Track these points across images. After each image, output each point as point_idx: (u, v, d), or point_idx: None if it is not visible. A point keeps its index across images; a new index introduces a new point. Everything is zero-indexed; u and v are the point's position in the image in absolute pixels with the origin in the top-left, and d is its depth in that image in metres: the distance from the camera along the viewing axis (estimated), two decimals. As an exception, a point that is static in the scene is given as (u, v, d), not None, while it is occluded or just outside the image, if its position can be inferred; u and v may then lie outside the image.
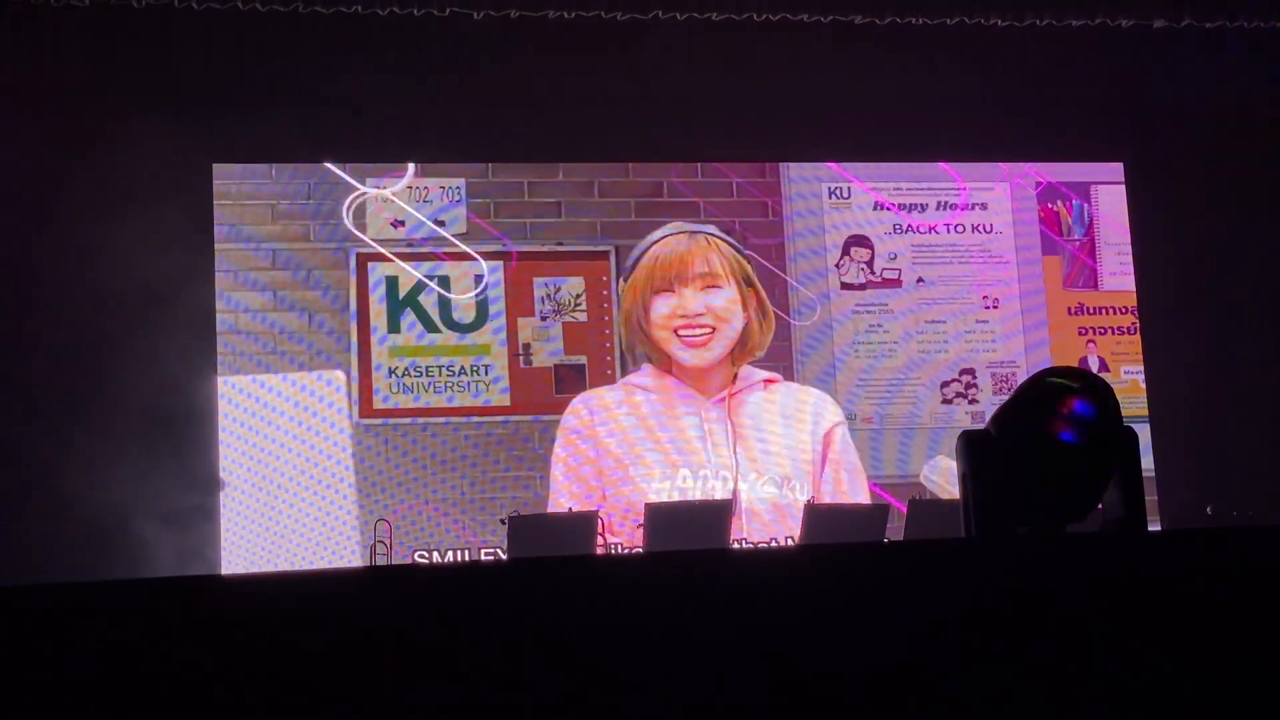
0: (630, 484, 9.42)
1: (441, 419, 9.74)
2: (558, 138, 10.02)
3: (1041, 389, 3.74)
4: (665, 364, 9.72)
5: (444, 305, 9.90)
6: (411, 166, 9.98)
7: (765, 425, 9.65)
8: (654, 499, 9.12)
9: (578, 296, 10.01)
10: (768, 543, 9.36)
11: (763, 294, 9.90)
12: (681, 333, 9.65)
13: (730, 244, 9.87)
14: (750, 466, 9.53)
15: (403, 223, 9.93)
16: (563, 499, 9.38)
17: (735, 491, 9.40)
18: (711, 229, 9.93)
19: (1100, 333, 10.47)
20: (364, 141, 9.85)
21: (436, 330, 9.87)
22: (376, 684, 2.81)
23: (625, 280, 9.81)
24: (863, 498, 9.61)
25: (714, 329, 9.65)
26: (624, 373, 9.88)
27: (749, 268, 9.88)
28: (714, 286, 9.71)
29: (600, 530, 8.44)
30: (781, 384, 9.86)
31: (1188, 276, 10.40)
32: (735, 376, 9.72)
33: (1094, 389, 3.72)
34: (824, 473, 9.61)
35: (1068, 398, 3.67)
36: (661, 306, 9.68)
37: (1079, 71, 10.18)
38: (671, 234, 9.84)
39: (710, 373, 9.71)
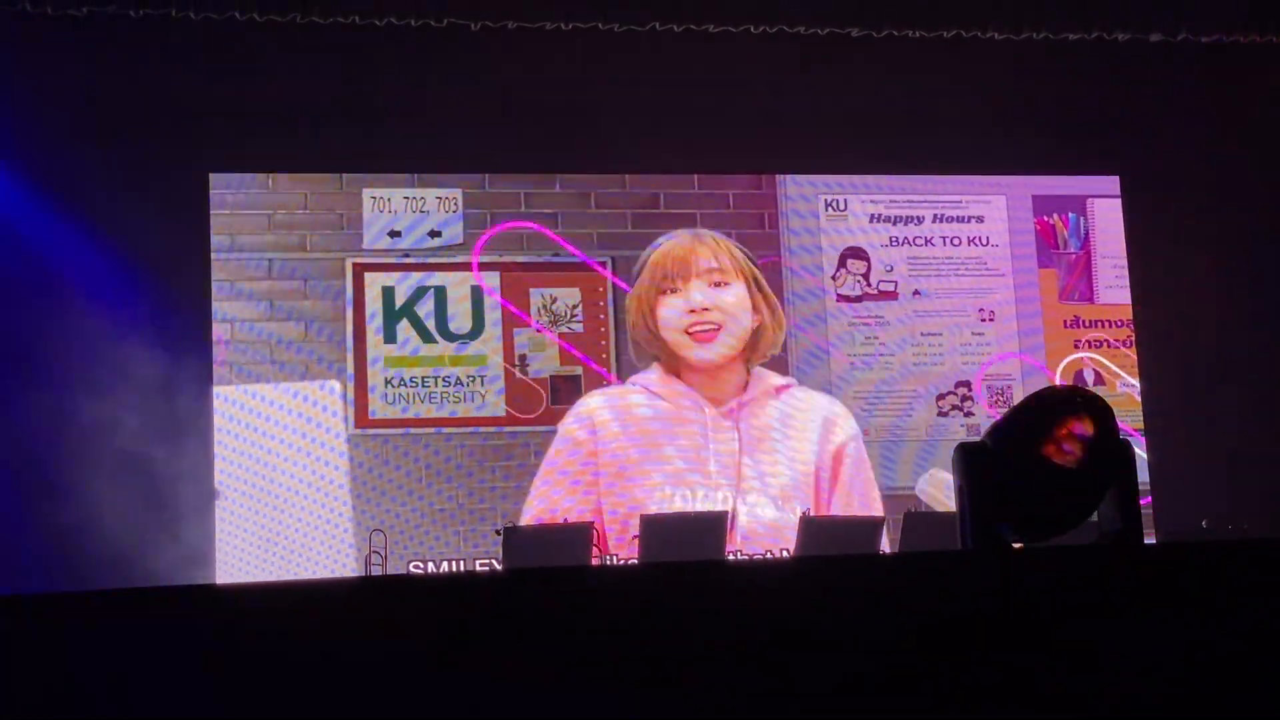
0: (628, 496, 9.40)
1: (437, 429, 9.73)
2: (555, 149, 10.02)
3: (1040, 410, 3.73)
4: (675, 367, 9.75)
5: (440, 316, 9.89)
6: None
7: (771, 438, 9.63)
8: (652, 512, 9.10)
9: (574, 307, 10.01)
10: (763, 554, 9.34)
11: (772, 297, 9.92)
12: (690, 330, 9.67)
13: (738, 246, 9.94)
14: (751, 484, 9.50)
15: (399, 233, 9.93)
16: (553, 507, 9.37)
17: (734, 511, 9.38)
18: (717, 233, 9.99)
19: (1096, 345, 10.48)
20: (361, 152, 9.85)
21: (432, 341, 9.87)
22: (371, 692, 2.81)
23: (633, 285, 9.86)
24: (875, 512, 9.54)
25: (720, 325, 9.67)
26: (621, 383, 9.89)
27: (757, 270, 9.91)
28: (722, 283, 9.77)
29: (595, 541, 8.42)
30: (793, 390, 9.87)
31: (1183, 289, 10.41)
32: (747, 382, 9.73)
33: (1092, 410, 3.71)
34: (834, 494, 9.58)
35: (1066, 420, 3.67)
36: (667, 307, 9.74)
37: (1075, 85, 10.20)
38: (673, 236, 9.91)
39: (721, 374, 9.73)
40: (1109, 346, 10.50)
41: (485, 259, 9.99)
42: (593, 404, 9.76)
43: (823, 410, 9.85)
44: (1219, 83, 10.19)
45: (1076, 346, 10.48)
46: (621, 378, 9.89)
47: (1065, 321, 10.51)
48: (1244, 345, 10.29)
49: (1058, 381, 10.30)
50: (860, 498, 9.64)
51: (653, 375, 9.79)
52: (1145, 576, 3.17)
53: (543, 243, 10.06)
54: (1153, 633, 2.98)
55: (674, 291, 9.75)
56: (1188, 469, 10.15)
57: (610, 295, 10.03)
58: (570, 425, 9.67)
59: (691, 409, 9.67)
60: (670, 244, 9.87)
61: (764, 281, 9.92)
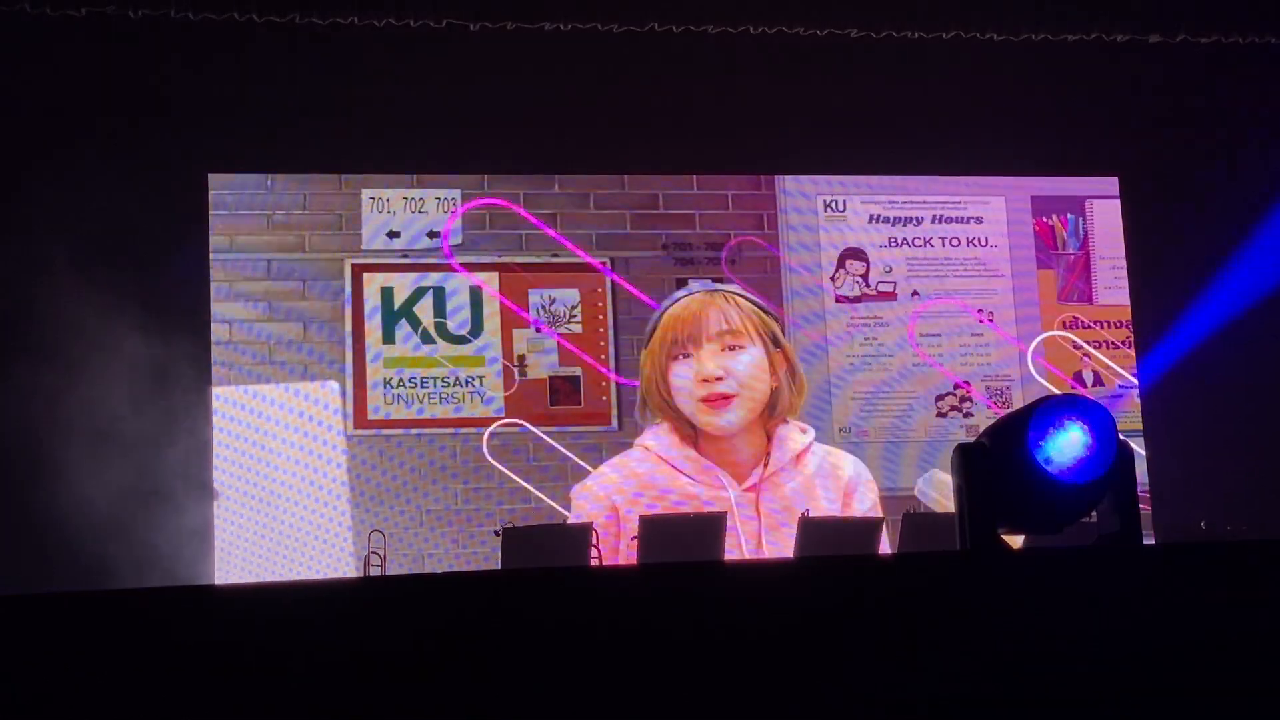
0: None
1: (436, 430, 9.73)
2: (553, 149, 10.02)
3: (1040, 412, 3.72)
4: (691, 434, 9.48)
5: (439, 316, 9.89)
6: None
7: (792, 514, 9.08)
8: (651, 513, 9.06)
9: (573, 308, 10.01)
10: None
11: (792, 355, 9.67)
12: (704, 399, 9.33)
13: (753, 302, 9.66)
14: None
15: (398, 234, 9.93)
16: None
17: None
18: (733, 287, 9.79)
19: (1095, 346, 10.48)
20: (360, 152, 9.85)
21: (431, 341, 9.86)
22: (369, 693, 2.81)
23: (644, 348, 9.59)
24: None
25: (734, 395, 9.31)
26: (620, 393, 9.84)
27: (776, 327, 9.66)
28: (736, 346, 9.44)
29: (595, 543, 8.41)
30: (813, 454, 9.50)
31: (1182, 290, 10.42)
32: (768, 452, 9.37)
33: (1092, 421, 3.69)
34: None
35: (1066, 423, 3.66)
36: (680, 374, 9.43)
37: (1074, 86, 10.20)
38: (687, 294, 9.63)
39: (739, 441, 9.42)
40: (1108, 347, 10.50)
41: (484, 259, 9.99)
42: (609, 486, 9.40)
43: (843, 478, 9.47)
44: (1218, 83, 10.19)
45: (1075, 348, 10.48)
46: (621, 377, 9.87)
47: (1064, 322, 10.51)
48: (1242, 346, 10.29)
49: (1026, 357, 10.30)
50: None
51: (665, 440, 9.45)
52: (1143, 578, 3.17)
53: (542, 243, 10.06)
54: (1151, 634, 2.98)
55: (685, 357, 9.42)
56: (1186, 470, 10.16)
57: (609, 295, 10.02)
58: (583, 504, 9.33)
59: (715, 487, 9.31)
60: (681, 306, 9.55)
61: (782, 338, 9.63)
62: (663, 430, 9.49)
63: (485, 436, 9.70)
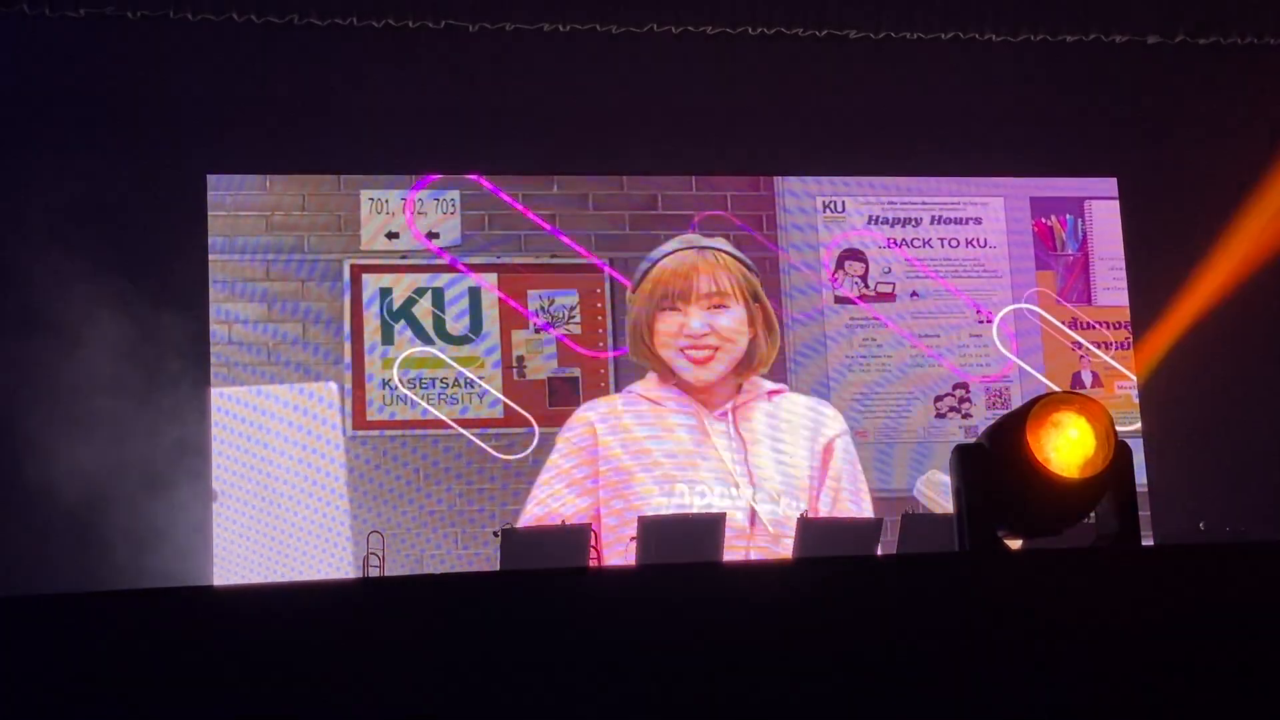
0: (624, 501, 9.40)
1: (435, 431, 9.73)
2: (552, 150, 10.02)
3: (1039, 412, 3.72)
4: (669, 376, 9.77)
5: (438, 317, 9.89)
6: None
7: (764, 440, 9.68)
8: (650, 514, 9.09)
9: (572, 309, 10.01)
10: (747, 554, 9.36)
11: (770, 310, 9.92)
12: (686, 351, 9.70)
13: (739, 259, 9.90)
14: (746, 482, 9.56)
15: (397, 234, 9.93)
16: (551, 513, 9.37)
17: (751, 506, 9.46)
18: (721, 243, 9.95)
19: (1094, 346, 10.49)
20: (358, 153, 9.85)
21: (430, 342, 9.86)
22: (369, 694, 2.81)
23: (634, 290, 9.84)
24: (864, 510, 9.61)
25: (717, 348, 9.71)
26: (619, 384, 9.88)
27: (757, 283, 9.91)
28: (721, 306, 9.77)
29: (593, 543, 8.43)
30: (786, 395, 9.91)
31: (1181, 291, 10.42)
32: (739, 389, 9.78)
33: (1091, 414, 3.69)
34: (823, 487, 9.61)
35: (1065, 423, 3.66)
36: (666, 324, 9.74)
37: (1073, 87, 10.20)
38: (680, 249, 9.87)
39: (714, 388, 9.77)
40: (1107, 348, 10.50)
41: (483, 260, 9.99)
42: (591, 412, 9.77)
43: (813, 409, 9.93)
44: (1216, 85, 10.19)
45: (1074, 348, 10.48)
46: (619, 378, 9.89)
47: (1063, 323, 10.51)
48: (1241, 347, 10.29)
49: (992, 328, 10.30)
50: (850, 492, 9.66)
51: (650, 383, 9.82)
52: (1142, 579, 3.17)
53: (541, 243, 10.06)
54: (1150, 635, 2.98)
55: (673, 310, 9.76)
56: (1185, 471, 10.16)
57: (608, 295, 10.02)
58: (569, 432, 9.70)
59: (688, 412, 9.70)
60: (673, 262, 9.82)
61: (763, 294, 9.93)
62: (644, 381, 9.82)
63: (485, 436, 9.72)
